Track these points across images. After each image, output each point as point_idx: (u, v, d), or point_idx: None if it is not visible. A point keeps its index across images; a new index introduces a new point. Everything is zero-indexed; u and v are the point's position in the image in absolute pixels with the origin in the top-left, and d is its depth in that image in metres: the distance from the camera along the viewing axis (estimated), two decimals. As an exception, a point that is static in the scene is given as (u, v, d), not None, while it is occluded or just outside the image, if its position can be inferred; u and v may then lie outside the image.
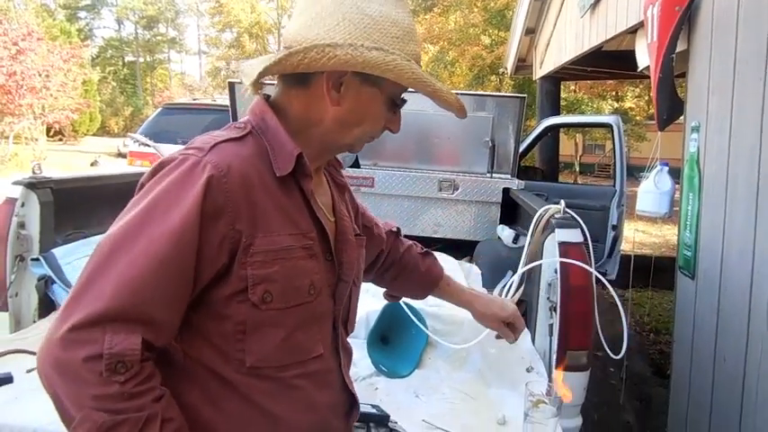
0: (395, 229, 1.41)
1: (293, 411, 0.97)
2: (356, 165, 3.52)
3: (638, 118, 15.67)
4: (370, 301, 2.12)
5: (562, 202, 1.98)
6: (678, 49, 2.79)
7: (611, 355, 1.75)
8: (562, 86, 8.41)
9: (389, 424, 1.55)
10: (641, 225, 8.42)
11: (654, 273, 4.60)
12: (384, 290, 1.49)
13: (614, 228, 4.63)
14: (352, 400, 1.11)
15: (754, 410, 2.18)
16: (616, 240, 4.63)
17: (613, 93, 15.61)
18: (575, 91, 15.11)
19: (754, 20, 2.23)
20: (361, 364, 1.92)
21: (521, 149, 5.34)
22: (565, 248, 1.80)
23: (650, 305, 5.40)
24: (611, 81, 12.41)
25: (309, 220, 0.98)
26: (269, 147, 0.96)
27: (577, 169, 17.25)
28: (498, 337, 1.39)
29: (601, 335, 1.87)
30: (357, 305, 1.18)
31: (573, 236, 1.83)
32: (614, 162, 4.84)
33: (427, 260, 1.41)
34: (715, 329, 2.47)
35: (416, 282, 1.40)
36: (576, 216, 1.94)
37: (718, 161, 2.48)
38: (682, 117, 2.89)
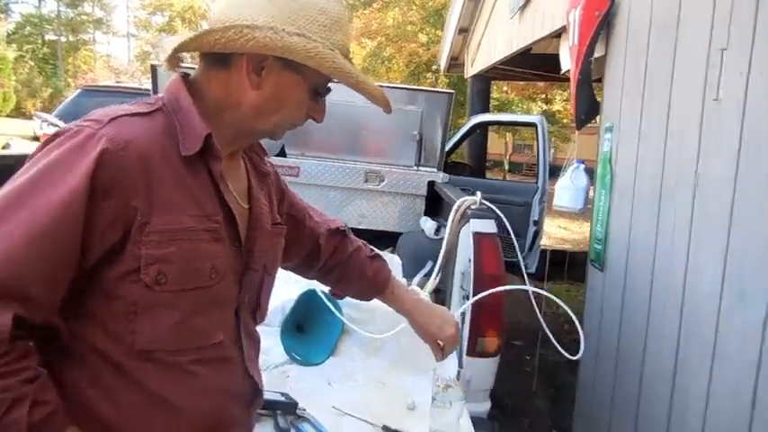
0: (342, 228, 1.39)
1: (189, 398, 0.94)
2: (282, 154, 3.46)
3: (564, 120, 16.29)
4: (289, 288, 2.09)
5: (478, 193, 2.02)
6: (597, 54, 2.92)
7: (568, 356, 1.74)
8: (495, 87, 8.64)
9: (297, 411, 1.53)
10: (563, 222, 8.77)
11: (572, 266, 4.81)
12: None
13: (535, 223, 4.79)
14: (256, 388, 1.09)
15: (651, 394, 2.31)
16: (537, 235, 4.80)
17: (543, 95, 16.15)
18: (507, 92, 15.53)
19: (663, 28, 2.36)
20: (273, 352, 1.88)
21: (449, 145, 5.44)
22: (478, 238, 1.84)
23: (567, 297, 5.63)
24: (540, 83, 12.85)
25: (216, 204, 0.96)
26: (178, 125, 0.92)
27: (507, 168, 17.75)
28: None
29: (549, 333, 1.86)
30: (270, 294, 1.16)
31: (487, 226, 1.87)
32: (537, 160, 5.01)
33: (375, 264, 1.39)
34: (619, 323, 2.60)
35: (362, 286, 1.40)
36: (492, 206, 1.99)
37: (628, 161, 2.61)
38: (599, 118, 3.02)
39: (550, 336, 1.86)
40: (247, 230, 1.02)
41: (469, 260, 1.86)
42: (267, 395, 1.56)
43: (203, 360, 0.95)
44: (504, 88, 15.10)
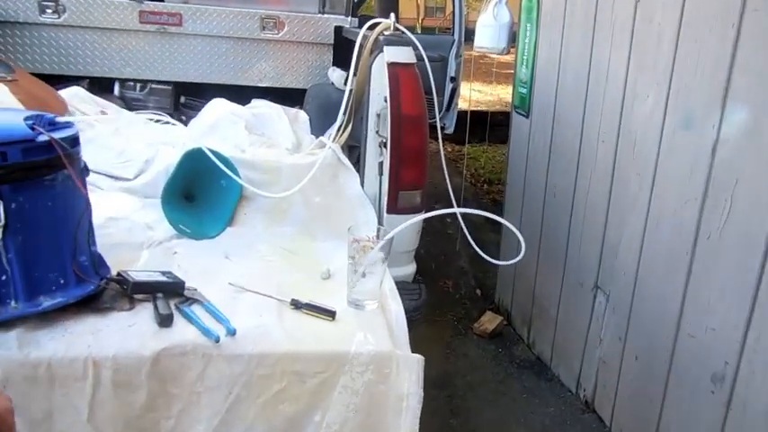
0: None
1: None
2: (157, -2, 2.86)
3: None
4: (173, 153, 1.73)
5: (392, 15, 1.66)
6: None
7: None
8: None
9: (186, 292, 1.24)
10: (477, 85, 8.57)
11: (489, 128, 4.63)
12: None
13: (453, 80, 4.48)
14: None
15: (581, 234, 2.20)
16: (454, 93, 4.52)
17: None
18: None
19: None
20: (158, 228, 1.55)
21: (357, -5, 4.88)
22: (395, 71, 1.51)
23: (485, 158, 5.53)
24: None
25: None
26: None
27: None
28: None
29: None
30: None
31: (405, 55, 1.54)
32: (453, 9, 4.59)
33: None
34: (547, 166, 2.44)
35: None
36: (408, 33, 1.65)
37: (558, -15, 2.30)
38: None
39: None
40: None
41: (385, 99, 1.55)
42: (144, 276, 1.27)
43: None
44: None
